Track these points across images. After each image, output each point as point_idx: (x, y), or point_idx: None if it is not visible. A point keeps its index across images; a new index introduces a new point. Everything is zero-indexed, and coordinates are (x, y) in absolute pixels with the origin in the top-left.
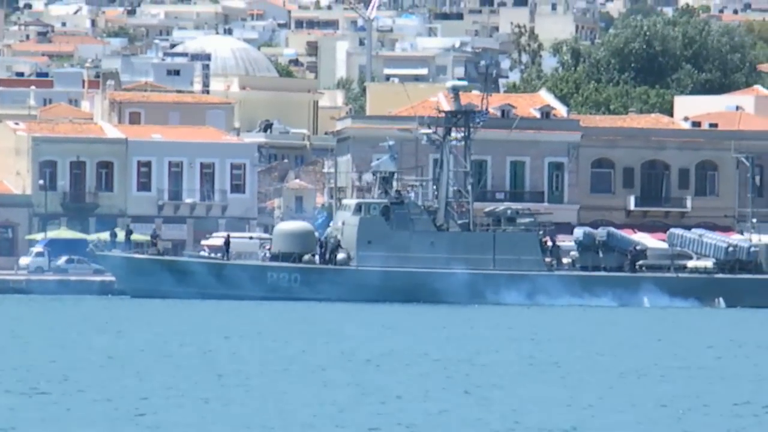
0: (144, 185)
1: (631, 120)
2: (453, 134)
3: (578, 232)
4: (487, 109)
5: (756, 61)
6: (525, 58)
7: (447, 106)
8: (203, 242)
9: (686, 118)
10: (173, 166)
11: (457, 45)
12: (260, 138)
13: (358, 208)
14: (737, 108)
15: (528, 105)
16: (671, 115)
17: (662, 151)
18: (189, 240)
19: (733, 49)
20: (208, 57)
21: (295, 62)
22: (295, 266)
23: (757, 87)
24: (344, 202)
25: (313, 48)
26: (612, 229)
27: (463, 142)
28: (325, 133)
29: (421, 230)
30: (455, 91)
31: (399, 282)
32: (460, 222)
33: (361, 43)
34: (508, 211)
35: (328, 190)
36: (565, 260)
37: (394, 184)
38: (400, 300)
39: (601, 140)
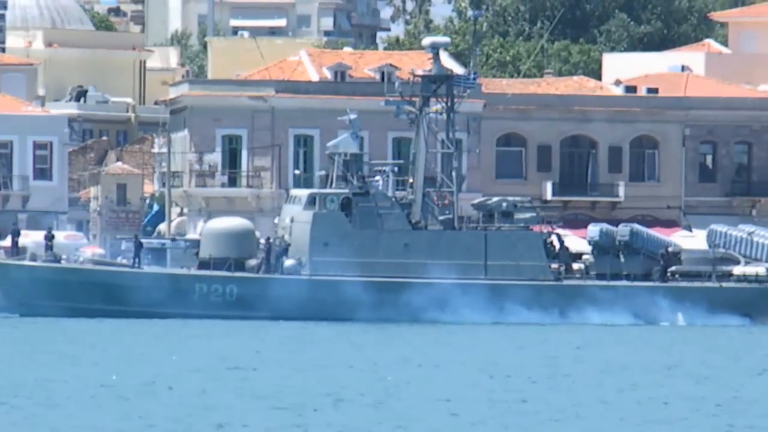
0: None
1: (547, 84)
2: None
3: (593, 230)
4: (476, 73)
5: (706, 9)
6: (410, 5)
7: (312, 66)
8: None
9: (618, 82)
10: None
11: None
12: (71, 109)
13: (312, 201)
14: (683, 68)
15: (414, 65)
16: (599, 78)
17: (588, 125)
18: None
19: None
20: (3, 5)
21: (116, 12)
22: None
23: (709, 41)
24: (293, 192)
25: None
26: (637, 226)
27: (444, 115)
28: (155, 103)
29: (393, 228)
30: (435, 49)
31: (363, 295)
32: (441, 218)
33: None
34: (504, 204)
35: (159, 176)
36: (576, 266)
37: (359, 169)
38: (364, 318)
39: (510, 111)
